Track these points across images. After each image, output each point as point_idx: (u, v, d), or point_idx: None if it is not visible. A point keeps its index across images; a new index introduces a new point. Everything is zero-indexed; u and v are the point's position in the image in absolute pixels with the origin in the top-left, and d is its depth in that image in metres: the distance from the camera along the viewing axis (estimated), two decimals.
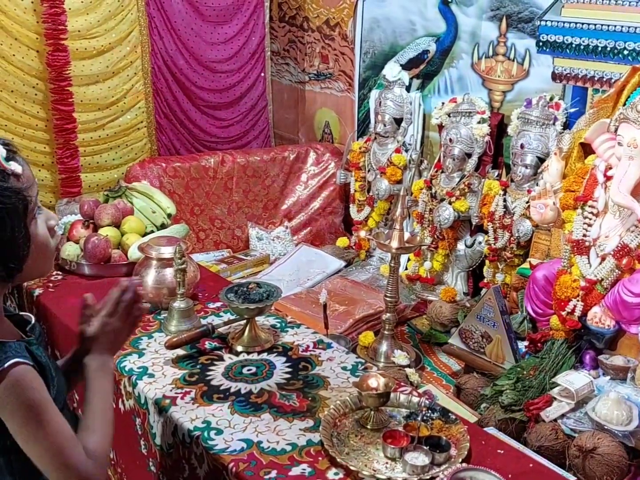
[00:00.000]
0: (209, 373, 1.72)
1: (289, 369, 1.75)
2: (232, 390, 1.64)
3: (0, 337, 1.16)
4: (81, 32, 3.07)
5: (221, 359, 1.79)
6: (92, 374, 1.34)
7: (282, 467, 1.39)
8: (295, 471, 1.38)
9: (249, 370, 1.74)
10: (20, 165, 1.15)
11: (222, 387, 1.65)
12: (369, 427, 1.51)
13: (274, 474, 1.37)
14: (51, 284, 2.22)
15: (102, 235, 2.27)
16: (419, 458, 1.38)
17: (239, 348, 1.82)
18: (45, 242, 1.21)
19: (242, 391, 1.64)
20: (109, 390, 1.35)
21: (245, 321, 1.85)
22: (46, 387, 1.18)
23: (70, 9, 2.99)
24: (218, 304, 2.07)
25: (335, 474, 1.38)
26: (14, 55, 2.94)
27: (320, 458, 1.42)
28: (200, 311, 2.04)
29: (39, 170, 3.10)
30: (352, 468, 1.36)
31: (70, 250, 2.30)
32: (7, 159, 1.12)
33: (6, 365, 1.11)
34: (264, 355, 1.81)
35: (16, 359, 1.12)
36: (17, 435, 1.14)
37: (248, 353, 1.81)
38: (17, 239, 1.12)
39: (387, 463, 1.41)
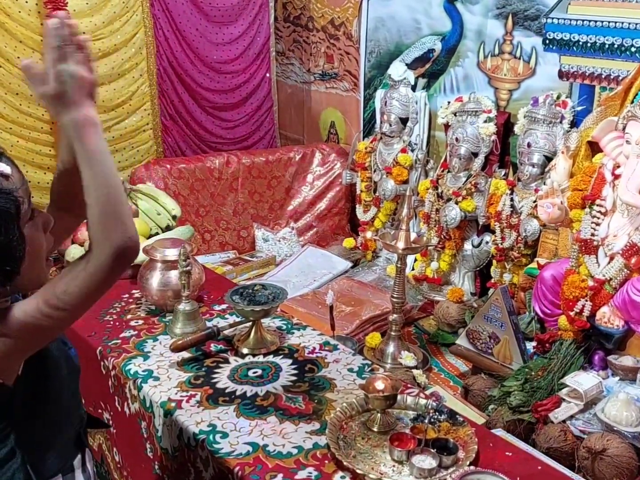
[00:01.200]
0: (214, 376, 1.71)
1: (295, 371, 1.74)
2: (238, 393, 1.63)
3: None
4: (86, 34, 3.04)
5: (227, 361, 1.78)
6: (77, 132, 1.13)
7: (288, 470, 1.38)
8: (302, 475, 1.36)
9: (254, 372, 1.73)
10: (8, 165, 1.11)
11: (227, 390, 1.64)
12: (375, 429, 1.50)
13: (280, 477, 1.35)
14: None
15: None
16: (426, 461, 1.37)
17: (245, 350, 1.81)
18: (40, 246, 1.18)
19: (248, 394, 1.63)
20: (101, 146, 1.15)
21: (250, 323, 1.84)
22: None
23: (75, 10, 2.99)
24: (223, 306, 2.06)
25: (342, 477, 1.36)
26: (18, 57, 2.94)
27: (326, 461, 1.40)
28: (205, 313, 2.03)
29: (45, 173, 3.10)
30: (358, 471, 1.34)
31: (75, 253, 2.29)
32: None
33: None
34: (270, 358, 1.80)
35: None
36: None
37: (254, 355, 1.80)
38: (12, 242, 1.08)
39: (394, 466, 1.39)
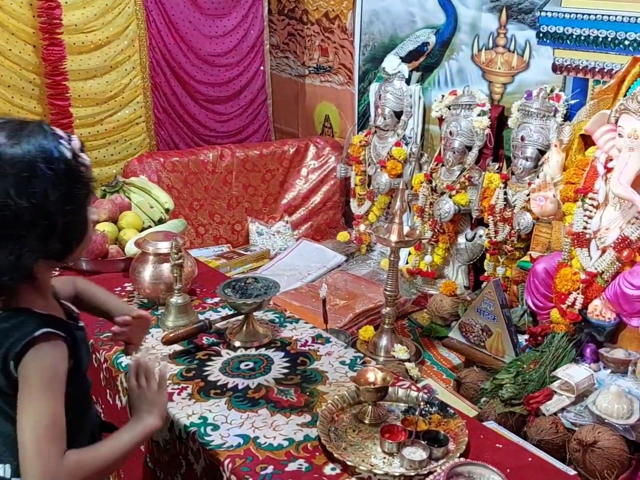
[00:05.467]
0: (206, 369, 1.71)
1: (287, 364, 1.74)
2: (230, 385, 1.63)
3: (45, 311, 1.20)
4: (78, 26, 3.06)
5: (218, 354, 1.78)
6: (125, 426, 1.32)
7: (279, 462, 1.38)
8: (292, 467, 1.37)
9: (246, 365, 1.73)
10: (88, 157, 1.23)
11: (219, 383, 1.64)
12: (366, 421, 1.50)
13: (270, 469, 1.36)
14: None
15: (99, 231, 2.26)
16: (416, 453, 1.37)
17: (237, 343, 1.81)
18: (90, 231, 1.28)
19: (240, 387, 1.63)
20: (127, 445, 1.28)
21: (243, 316, 1.84)
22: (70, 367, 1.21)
23: (66, 2, 2.98)
24: (216, 300, 2.06)
25: (332, 469, 1.36)
26: (10, 50, 2.92)
27: (317, 453, 1.41)
28: (198, 307, 2.03)
29: None
30: (349, 463, 1.35)
31: None
32: (81, 151, 1.21)
33: (37, 333, 1.14)
34: (262, 351, 1.80)
35: (49, 329, 1.16)
36: (19, 401, 1.13)
37: (246, 348, 1.80)
38: (79, 224, 1.21)
39: (384, 458, 1.39)
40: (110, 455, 1.22)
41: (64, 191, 1.15)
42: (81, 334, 1.30)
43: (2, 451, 1.19)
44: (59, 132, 1.19)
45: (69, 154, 1.17)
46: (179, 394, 1.59)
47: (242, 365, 1.72)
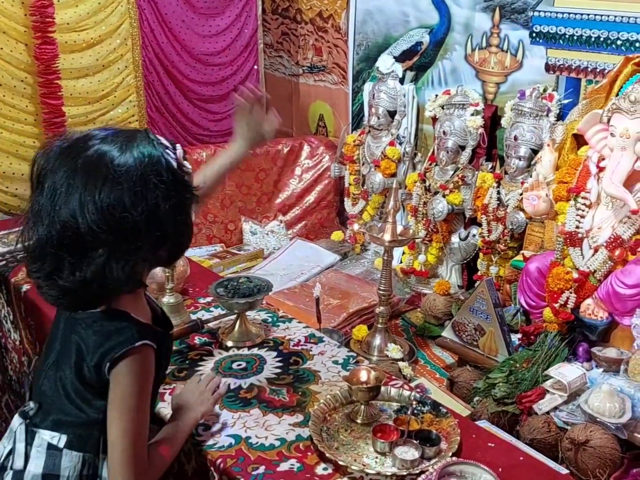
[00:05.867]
0: (198, 368, 1.70)
1: (280, 364, 1.74)
2: (221, 385, 1.63)
3: (138, 317, 1.26)
4: (70, 25, 3.04)
5: (211, 354, 1.78)
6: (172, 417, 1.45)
7: (271, 462, 1.38)
8: (284, 467, 1.37)
9: (238, 365, 1.73)
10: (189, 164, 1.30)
11: None
12: (359, 421, 1.50)
13: (262, 469, 1.36)
14: None
15: None
16: (408, 452, 1.37)
17: (229, 343, 1.81)
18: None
19: (232, 386, 1.63)
20: (176, 439, 1.39)
21: (235, 316, 1.84)
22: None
23: (59, 1, 2.95)
24: (208, 299, 2.06)
25: (324, 469, 1.36)
26: (1, 48, 2.90)
27: (309, 453, 1.41)
28: (190, 306, 2.02)
29: (29, 165, 3.07)
30: (341, 463, 1.35)
31: None
32: (184, 159, 1.27)
33: (137, 344, 1.21)
34: (255, 350, 1.80)
35: (147, 341, 1.22)
36: (110, 404, 1.22)
37: (238, 348, 1.80)
38: (187, 231, 1.26)
39: (376, 457, 1.40)
40: (179, 445, 1.37)
41: (174, 201, 1.18)
42: (168, 342, 1.38)
43: (64, 424, 1.25)
44: (164, 141, 1.22)
45: (174, 164, 1.20)
46: (170, 394, 1.59)
47: (234, 365, 1.72)
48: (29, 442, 1.26)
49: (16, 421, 1.30)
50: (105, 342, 1.20)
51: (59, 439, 1.24)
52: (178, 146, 1.25)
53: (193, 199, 1.25)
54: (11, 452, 1.27)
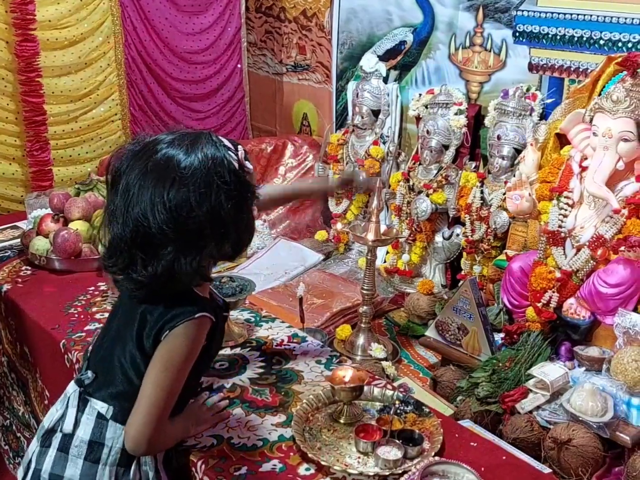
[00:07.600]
0: None
1: (263, 364, 1.73)
2: (204, 385, 1.62)
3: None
4: (52, 22, 3.01)
5: None
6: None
7: (253, 463, 1.37)
8: (266, 467, 1.36)
9: (221, 365, 1.71)
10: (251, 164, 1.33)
11: None
12: (342, 421, 1.49)
13: (244, 470, 1.35)
14: (20, 279, 2.17)
15: (72, 229, 2.23)
16: (391, 452, 1.37)
17: None
18: None
19: (214, 386, 1.62)
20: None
21: None
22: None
23: None
24: None
25: (307, 469, 1.36)
26: None
27: (291, 453, 1.40)
28: None
29: (10, 164, 3.04)
30: (323, 463, 1.34)
31: (39, 245, 2.25)
32: (245, 159, 1.29)
33: (197, 315, 1.28)
34: (237, 350, 1.79)
35: (205, 313, 1.30)
36: (155, 359, 1.28)
37: (221, 348, 1.78)
38: (249, 227, 1.32)
39: (359, 458, 1.39)
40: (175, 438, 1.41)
41: (236, 200, 1.24)
42: (222, 324, 1.46)
43: (115, 396, 1.32)
44: (226, 142, 1.28)
45: (236, 165, 1.26)
46: None
47: (216, 365, 1.71)
48: (80, 408, 1.33)
49: (71, 388, 1.38)
50: (168, 312, 1.27)
51: (107, 410, 1.31)
52: (240, 147, 1.30)
53: (254, 197, 1.32)
54: (63, 415, 1.34)
